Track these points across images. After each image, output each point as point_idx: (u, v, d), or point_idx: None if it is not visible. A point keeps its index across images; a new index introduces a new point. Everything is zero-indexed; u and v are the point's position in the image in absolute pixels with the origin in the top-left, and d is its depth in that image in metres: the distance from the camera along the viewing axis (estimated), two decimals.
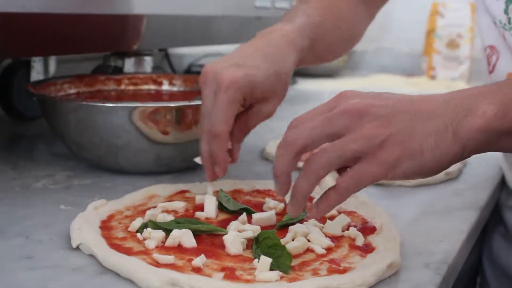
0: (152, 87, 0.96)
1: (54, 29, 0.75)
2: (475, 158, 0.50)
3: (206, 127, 0.61)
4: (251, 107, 0.63)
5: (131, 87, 0.95)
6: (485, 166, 0.87)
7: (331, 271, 0.49)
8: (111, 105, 0.71)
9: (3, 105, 1.03)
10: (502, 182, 0.86)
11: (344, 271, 0.49)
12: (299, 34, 0.68)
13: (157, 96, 0.94)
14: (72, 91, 0.89)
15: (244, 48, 0.65)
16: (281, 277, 0.48)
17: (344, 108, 0.48)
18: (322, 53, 0.78)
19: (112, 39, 0.87)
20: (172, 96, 0.94)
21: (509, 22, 0.69)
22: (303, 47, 0.68)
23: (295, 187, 0.49)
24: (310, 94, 1.25)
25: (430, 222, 0.64)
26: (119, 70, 0.99)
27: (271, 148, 0.87)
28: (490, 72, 0.75)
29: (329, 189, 0.49)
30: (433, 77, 1.91)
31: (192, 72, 1.47)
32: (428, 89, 1.72)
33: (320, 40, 0.73)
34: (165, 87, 0.96)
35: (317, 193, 0.51)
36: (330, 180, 0.49)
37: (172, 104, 0.71)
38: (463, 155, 0.47)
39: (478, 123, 0.46)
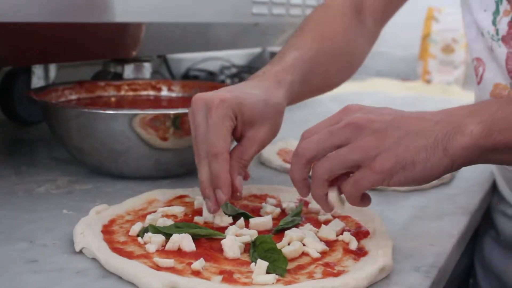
0: (151, 93, 0.98)
1: (55, 38, 0.76)
2: None
3: (203, 151, 0.61)
4: (243, 136, 0.64)
5: (131, 93, 0.97)
6: (477, 170, 0.88)
7: (325, 274, 0.51)
8: (112, 112, 0.73)
9: (5, 110, 1.04)
10: (494, 186, 0.87)
11: (338, 274, 0.51)
12: (286, 71, 0.69)
13: (156, 102, 0.95)
14: (73, 97, 0.91)
15: (234, 85, 0.68)
16: (278, 280, 0.49)
17: (347, 122, 0.54)
18: (320, 84, 0.79)
19: (112, 47, 0.88)
20: (171, 102, 0.95)
21: (497, 33, 0.71)
22: (291, 82, 0.69)
23: (312, 194, 0.57)
24: (309, 99, 1.26)
25: (422, 226, 0.66)
26: (118, 76, 1.00)
27: (268, 154, 0.89)
28: (478, 83, 0.77)
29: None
30: (428, 81, 1.92)
31: (190, 77, 1.48)
32: (423, 93, 1.74)
33: (315, 73, 0.74)
34: (164, 93, 0.98)
35: None
36: (332, 196, 0.56)
37: (171, 111, 0.73)
38: (452, 168, 0.52)
39: (465, 142, 0.51)
